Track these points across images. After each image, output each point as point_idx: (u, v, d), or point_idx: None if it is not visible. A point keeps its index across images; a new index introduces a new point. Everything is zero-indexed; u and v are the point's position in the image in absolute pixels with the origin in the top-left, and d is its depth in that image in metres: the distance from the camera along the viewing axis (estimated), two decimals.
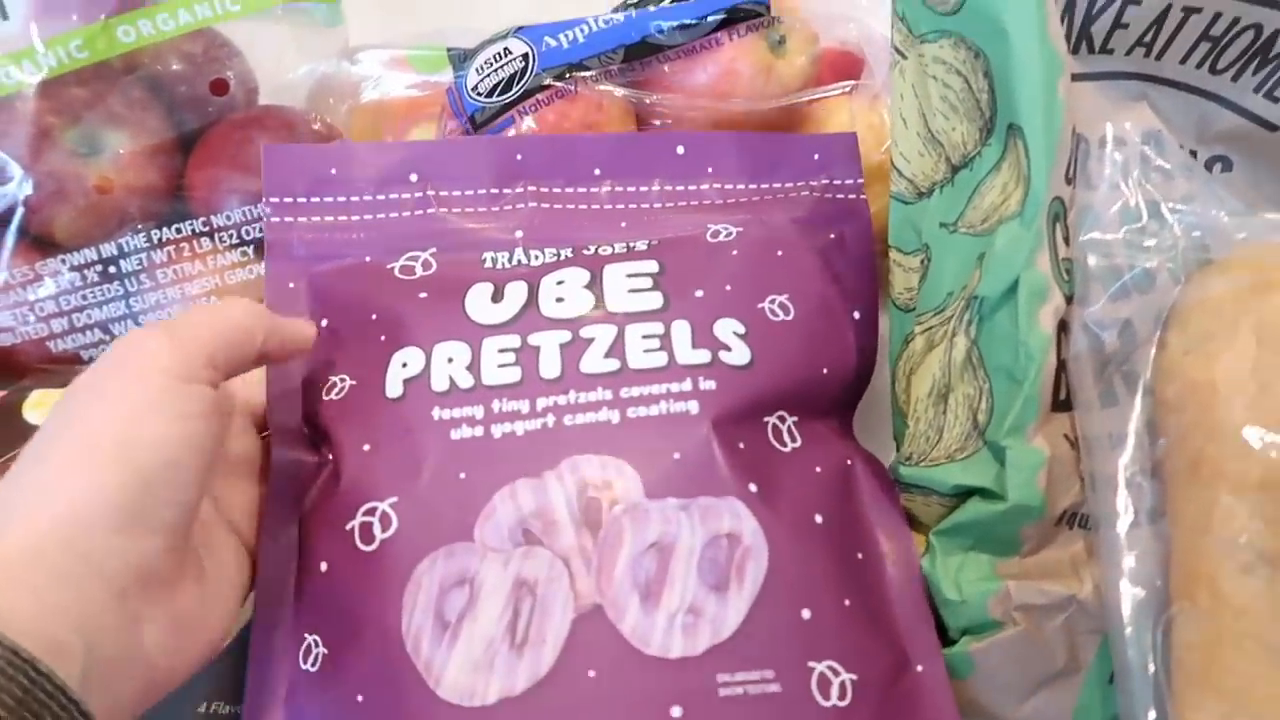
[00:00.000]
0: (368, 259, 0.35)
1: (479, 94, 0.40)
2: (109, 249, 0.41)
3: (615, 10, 0.41)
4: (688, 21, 0.39)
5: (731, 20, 0.39)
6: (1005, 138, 0.30)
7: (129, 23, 0.40)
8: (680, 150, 0.37)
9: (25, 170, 0.40)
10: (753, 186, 0.37)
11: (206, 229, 0.42)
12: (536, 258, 0.35)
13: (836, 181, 0.38)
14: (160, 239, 0.42)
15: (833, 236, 0.36)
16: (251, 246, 0.43)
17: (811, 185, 0.38)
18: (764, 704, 0.26)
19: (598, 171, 0.37)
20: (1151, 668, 0.25)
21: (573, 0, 0.46)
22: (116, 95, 0.41)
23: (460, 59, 0.42)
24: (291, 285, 0.35)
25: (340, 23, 0.45)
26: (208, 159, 0.42)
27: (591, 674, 0.26)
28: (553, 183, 0.37)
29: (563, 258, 0.34)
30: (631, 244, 0.35)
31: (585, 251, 0.34)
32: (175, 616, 0.26)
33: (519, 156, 0.37)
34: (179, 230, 0.42)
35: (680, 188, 0.37)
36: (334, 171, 0.36)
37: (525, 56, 0.39)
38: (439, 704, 0.26)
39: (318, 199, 0.36)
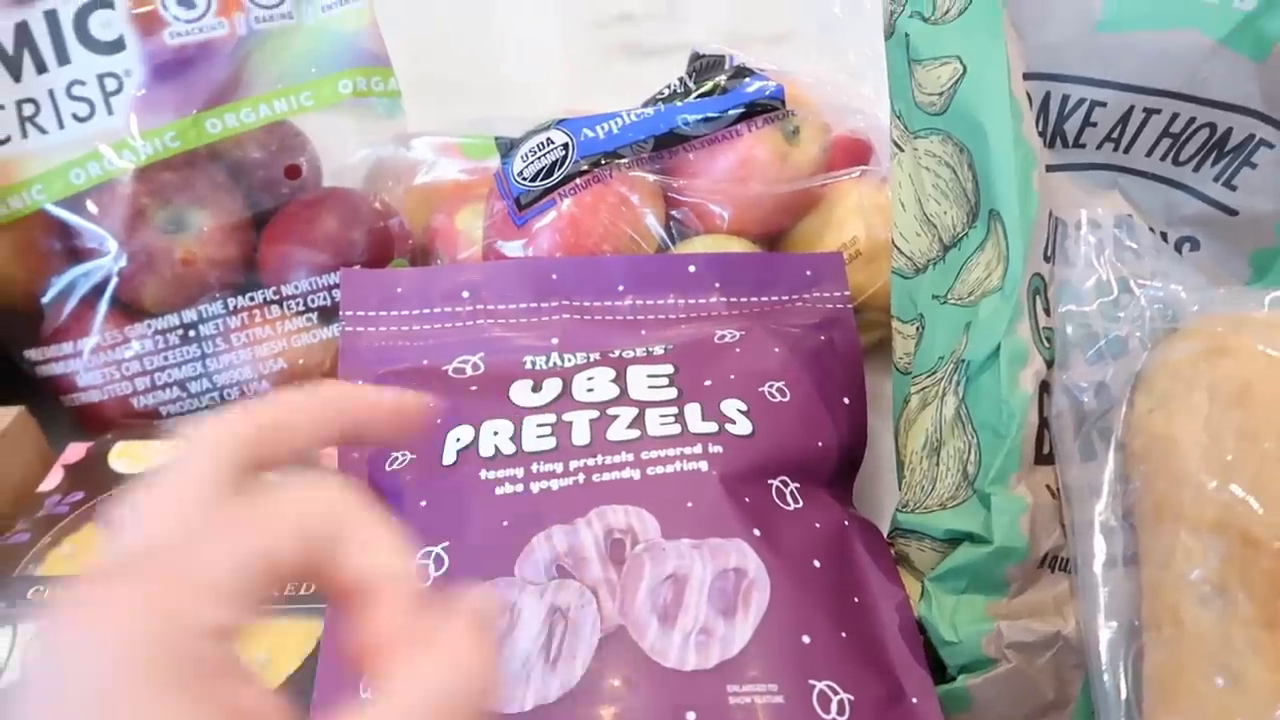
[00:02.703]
0: (425, 363, 0.40)
1: (524, 178, 0.44)
2: (190, 315, 0.46)
3: (645, 105, 0.46)
4: (711, 115, 0.44)
5: (751, 113, 0.44)
6: (988, 222, 0.34)
7: (216, 116, 0.46)
8: (691, 269, 0.43)
9: (120, 245, 0.45)
10: (753, 299, 0.43)
11: (276, 298, 0.47)
12: (569, 360, 0.39)
13: (825, 294, 0.43)
14: (235, 306, 0.46)
15: (823, 339, 0.41)
16: (316, 314, 0.47)
17: (804, 297, 0.43)
18: (769, 713, 0.28)
19: (621, 288, 0.42)
20: (1124, 693, 0.28)
21: (607, 93, 0.51)
22: (202, 179, 0.46)
23: (507, 147, 0.47)
24: (359, 383, 0.40)
25: (400, 115, 0.50)
26: (279, 236, 0.47)
27: (616, 683, 0.29)
28: (583, 297, 0.42)
29: (592, 360, 0.39)
30: (651, 349, 0.40)
31: (611, 355, 0.39)
32: None
33: (554, 276, 0.42)
34: (252, 299, 0.47)
35: (692, 301, 0.42)
36: (400, 290, 0.42)
37: (565, 145, 0.44)
38: None
39: (385, 313, 0.42)
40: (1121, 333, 0.33)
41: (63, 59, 0.44)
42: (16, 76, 0.44)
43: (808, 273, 0.43)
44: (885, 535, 0.37)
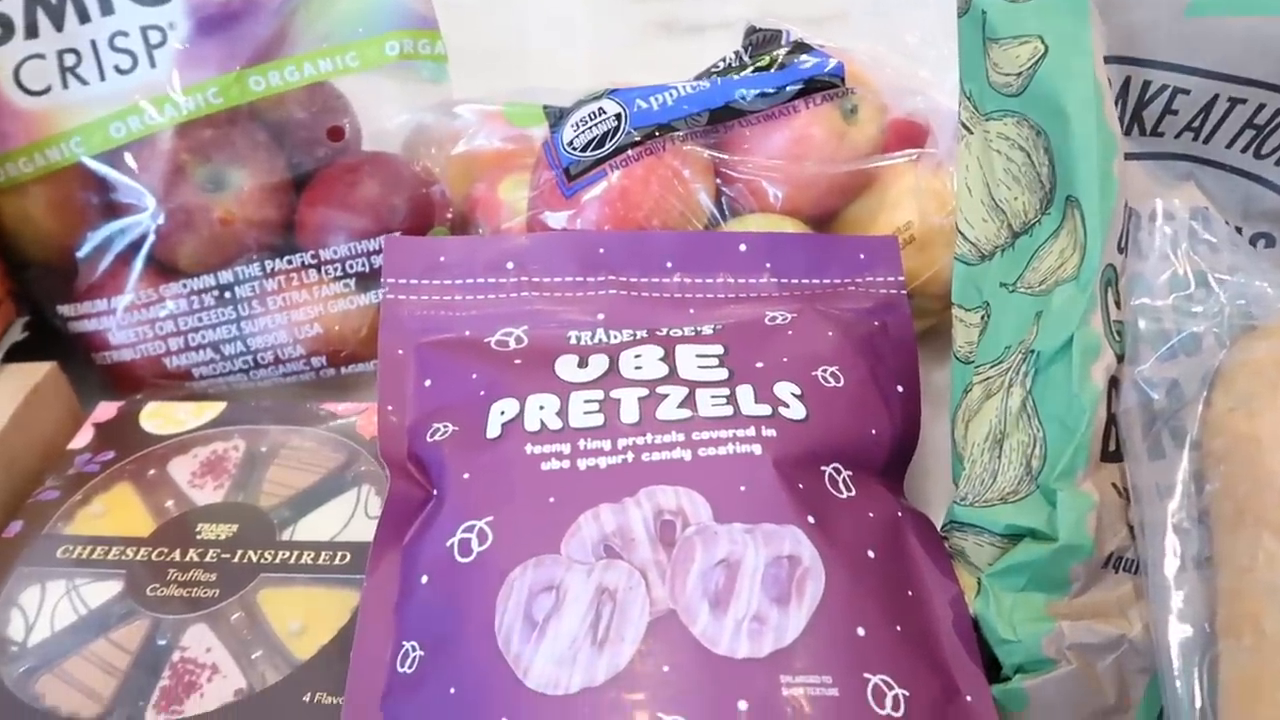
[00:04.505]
0: (467, 333, 0.39)
1: (574, 148, 0.43)
2: (226, 276, 0.45)
3: (699, 77, 0.45)
4: (768, 90, 0.43)
5: (809, 90, 0.43)
6: (1064, 208, 0.32)
7: (260, 74, 0.45)
8: (742, 248, 0.41)
9: (158, 202, 0.44)
10: (805, 281, 0.41)
11: (314, 262, 0.46)
12: (615, 337, 0.38)
13: (879, 278, 0.42)
14: (272, 269, 0.46)
15: (876, 324, 0.40)
16: (354, 279, 0.46)
17: (857, 281, 0.42)
18: (823, 705, 0.28)
19: (669, 264, 0.41)
20: (1199, 701, 0.27)
21: (644, 70, 0.50)
22: (243, 138, 0.45)
23: (556, 116, 0.45)
24: (400, 352, 0.39)
25: (445, 80, 0.49)
26: (319, 198, 0.46)
27: (666, 669, 0.28)
28: (630, 273, 0.41)
29: (639, 337, 0.38)
30: (699, 328, 0.39)
31: (659, 333, 0.39)
32: None
33: (601, 250, 0.41)
34: (290, 262, 0.46)
35: (742, 280, 0.41)
36: (443, 259, 0.41)
37: (618, 116, 0.43)
38: (527, 692, 0.28)
39: (428, 281, 0.41)
40: (1198, 329, 0.32)
41: (106, 9, 0.43)
42: (59, 25, 0.43)
43: (861, 256, 0.42)
44: (938, 528, 0.36)
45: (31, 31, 0.43)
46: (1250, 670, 0.26)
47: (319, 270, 0.46)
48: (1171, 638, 0.27)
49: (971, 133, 0.36)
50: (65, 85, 0.43)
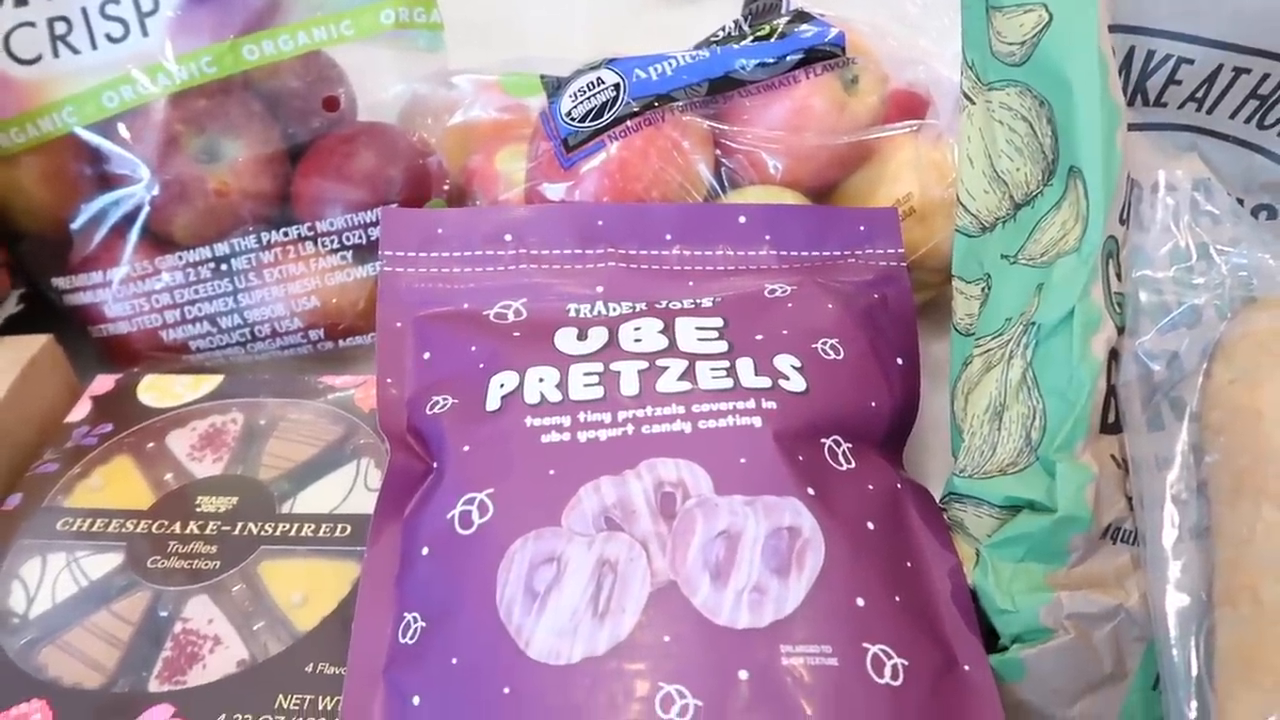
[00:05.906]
0: (466, 306, 0.39)
1: (572, 119, 0.43)
2: (222, 248, 0.45)
3: (699, 47, 0.45)
4: (768, 60, 0.42)
5: (809, 60, 0.43)
6: (1066, 179, 0.32)
7: (254, 42, 0.44)
8: (742, 220, 0.41)
9: (153, 173, 0.44)
10: (805, 253, 0.41)
11: (311, 234, 0.46)
12: (615, 310, 0.38)
13: (879, 250, 0.42)
14: (268, 241, 0.45)
15: (876, 297, 0.40)
16: (351, 252, 0.46)
17: (857, 254, 0.41)
18: (823, 675, 0.28)
19: (669, 236, 0.41)
20: (1196, 669, 0.27)
21: (639, 41, 0.49)
22: (237, 108, 0.45)
23: (554, 86, 0.45)
24: (399, 325, 0.39)
25: (441, 48, 0.49)
26: (315, 169, 0.46)
27: (667, 639, 0.28)
28: (629, 245, 0.41)
29: (638, 310, 0.38)
30: (699, 301, 0.38)
31: (658, 305, 0.38)
32: None
33: (600, 222, 0.41)
34: (286, 234, 0.45)
35: (741, 253, 0.41)
36: (441, 231, 0.41)
37: (617, 86, 0.42)
38: (528, 662, 0.28)
39: (425, 254, 0.41)
40: (1198, 301, 0.32)
41: None
42: None
43: (861, 228, 0.42)
44: (937, 500, 0.36)
45: None
46: (1247, 639, 0.26)
47: (315, 242, 0.46)
48: (1169, 607, 0.28)
49: (974, 103, 0.36)
50: (56, 54, 0.43)
